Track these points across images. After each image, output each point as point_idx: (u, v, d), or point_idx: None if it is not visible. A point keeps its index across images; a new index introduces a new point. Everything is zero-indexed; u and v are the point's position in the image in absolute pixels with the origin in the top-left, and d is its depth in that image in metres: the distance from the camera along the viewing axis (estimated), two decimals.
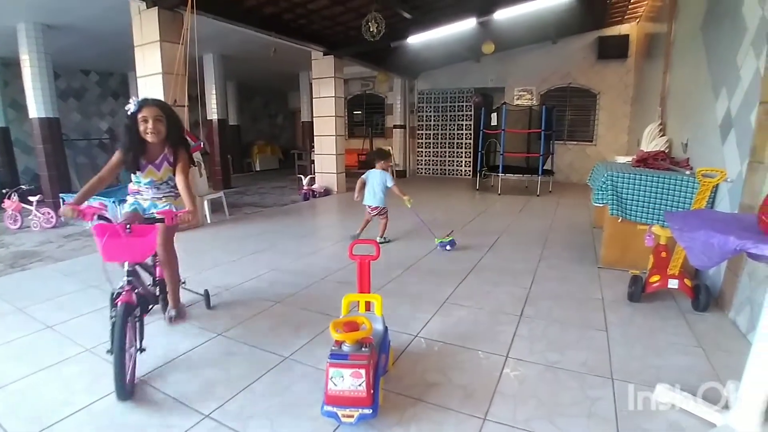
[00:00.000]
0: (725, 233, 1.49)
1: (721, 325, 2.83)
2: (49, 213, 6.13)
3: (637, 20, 9.47)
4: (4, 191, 6.40)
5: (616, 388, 2.12)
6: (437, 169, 12.35)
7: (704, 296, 2.98)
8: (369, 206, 4.88)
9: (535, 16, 7.28)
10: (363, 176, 4.88)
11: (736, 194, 3.06)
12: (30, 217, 6.02)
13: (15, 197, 6.12)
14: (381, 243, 4.76)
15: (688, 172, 3.71)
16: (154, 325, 2.78)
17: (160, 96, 5.14)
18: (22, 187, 6.56)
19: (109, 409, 1.96)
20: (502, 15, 6.88)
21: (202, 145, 5.41)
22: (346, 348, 1.75)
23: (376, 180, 4.81)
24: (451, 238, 4.62)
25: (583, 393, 2.08)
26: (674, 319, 2.91)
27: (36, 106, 6.57)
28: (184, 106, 5.29)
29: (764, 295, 1.71)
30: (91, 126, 11.16)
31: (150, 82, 5.27)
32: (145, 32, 5.18)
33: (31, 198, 6.07)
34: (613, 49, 9.77)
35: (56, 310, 3.03)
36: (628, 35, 9.66)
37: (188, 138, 5.03)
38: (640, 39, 9.23)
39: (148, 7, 5.08)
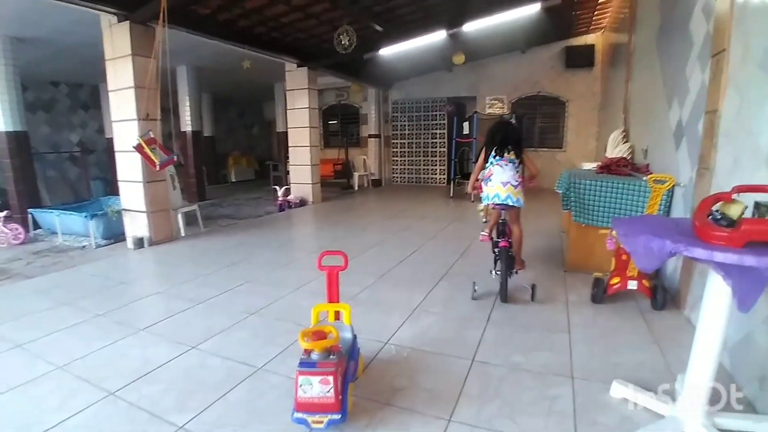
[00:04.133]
0: (663, 237, 1.61)
1: (677, 322, 2.99)
2: (17, 229, 6.00)
3: (602, 31, 9.82)
4: None
5: (575, 386, 2.23)
6: (412, 178, 12.50)
7: (661, 296, 3.15)
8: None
9: (503, 28, 7.49)
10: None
11: (689, 198, 3.24)
12: None
13: None
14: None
15: (645, 178, 3.89)
16: (130, 339, 2.80)
17: (133, 110, 5.14)
18: None
19: (81, 427, 1.97)
20: (470, 27, 7.07)
21: (175, 159, 5.39)
22: (314, 356, 1.81)
23: None
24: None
25: (544, 392, 2.18)
26: (633, 318, 3.06)
27: (3, 120, 6.45)
28: (156, 119, 5.29)
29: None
30: (61, 138, 10.97)
31: (122, 96, 5.24)
32: (117, 46, 5.17)
33: None
34: (580, 59, 10.10)
35: (27, 329, 2.99)
36: (593, 45, 10.01)
37: (162, 152, 5.08)
38: (605, 49, 9.57)
39: (119, 22, 5.07)
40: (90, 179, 11.15)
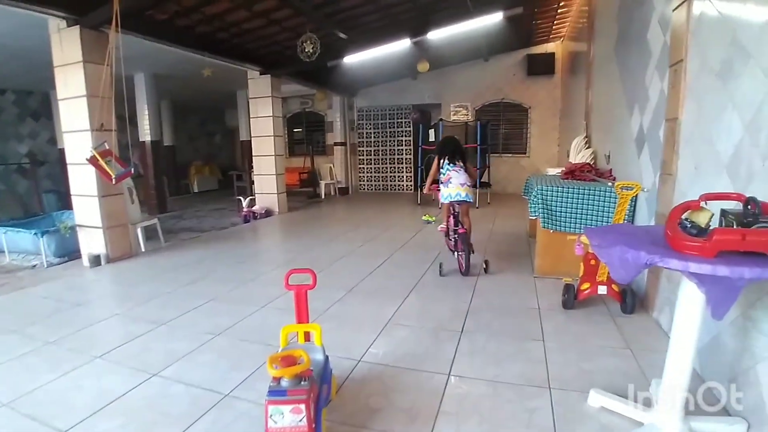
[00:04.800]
0: (638, 248, 1.60)
1: (646, 325, 3.04)
2: None
3: (561, 39, 10.10)
4: None
5: (553, 396, 2.21)
6: (379, 185, 12.45)
7: (630, 299, 3.19)
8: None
9: (466, 36, 7.59)
10: None
11: (653, 203, 3.31)
12: None
13: None
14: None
15: (610, 183, 3.97)
16: (84, 368, 2.60)
17: (86, 120, 4.87)
18: None
19: None
20: (434, 35, 7.12)
21: (132, 171, 5.13)
22: (284, 383, 1.70)
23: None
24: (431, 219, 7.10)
25: (522, 405, 2.15)
26: (604, 323, 3.09)
27: None
28: (111, 130, 5.03)
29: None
30: (7, 149, 10.34)
31: (73, 105, 4.95)
32: (66, 52, 4.88)
33: None
34: (541, 66, 10.35)
35: None
36: (553, 53, 10.27)
37: (118, 164, 4.83)
38: (565, 57, 9.84)
39: (69, 26, 4.79)
40: (42, 192, 10.56)
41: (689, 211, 1.71)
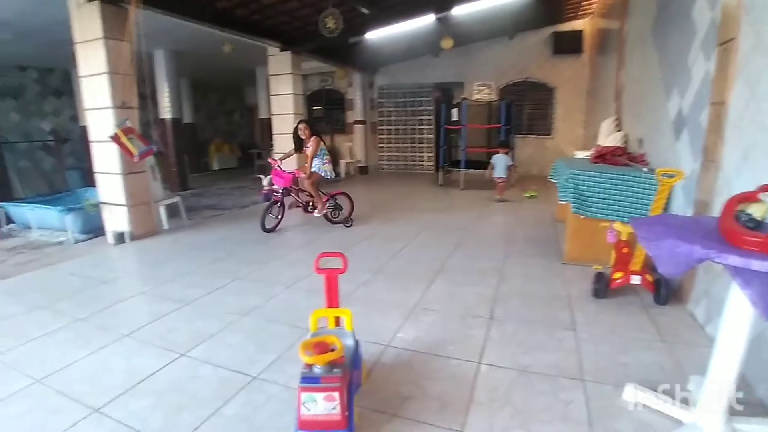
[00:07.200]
0: (690, 242, 1.51)
1: (681, 318, 2.94)
2: None
3: (590, 16, 9.71)
4: None
5: (587, 389, 2.15)
6: (400, 165, 12.29)
7: (665, 290, 3.08)
8: (497, 177, 7.36)
9: (492, 12, 7.34)
10: (492, 160, 7.46)
11: (690, 190, 3.18)
12: None
13: None
14: (499, 201, 7.30)
15: (645, 169, 3.82)
16: (113, 346, 2.62)
17: (108, 97, 4.85)
18: None
19: None
20: (459, 11, 6.89)
21: (154, 149, 5.13)
22: (317, 370, 1.67)
23: (501, 161, 7.35)
24: (534, 194, 7.56)
25: (556, 396, 2.10)
26: (638, 314, 3.00)
27: None
28: (134, 107, 5.01)
29: (720, 287, 1.76)
30: (32, 127, 10.46)
31: (95, 82, 4.92)
32: (86, 28, 4.83)
33: None
34: (568, 44, 9.98)
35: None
36: (581, 31, 9.89)
37: (140, 142, 4.83)
38: (594, 35, 9.47)
39: (88, 1, 4.73)
40: (65, 169, 10.70)
41: (744, 203, 1.61)
